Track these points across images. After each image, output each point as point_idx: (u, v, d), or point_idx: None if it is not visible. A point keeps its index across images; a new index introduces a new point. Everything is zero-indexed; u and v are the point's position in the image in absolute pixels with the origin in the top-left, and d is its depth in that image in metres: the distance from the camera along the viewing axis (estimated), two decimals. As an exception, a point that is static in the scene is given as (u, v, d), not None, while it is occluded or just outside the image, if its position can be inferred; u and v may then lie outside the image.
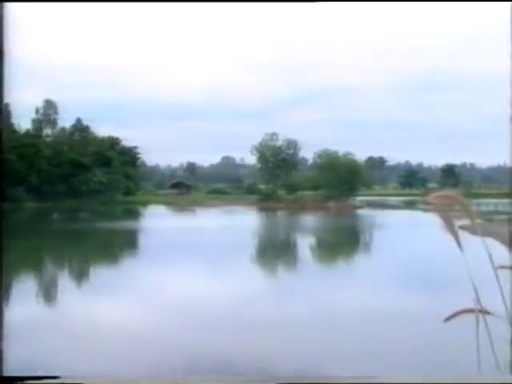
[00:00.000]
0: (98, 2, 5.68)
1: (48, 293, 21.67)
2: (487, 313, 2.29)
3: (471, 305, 2.32)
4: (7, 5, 2.00)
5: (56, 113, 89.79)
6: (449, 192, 2.22)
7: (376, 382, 1.30)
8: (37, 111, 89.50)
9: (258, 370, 11.44)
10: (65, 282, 24.54)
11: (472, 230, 2.46)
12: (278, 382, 1.24)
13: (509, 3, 2.14)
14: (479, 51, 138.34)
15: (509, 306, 2.25)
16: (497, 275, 2.23)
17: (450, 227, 2.20)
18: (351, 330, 14.68)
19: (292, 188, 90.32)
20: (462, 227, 2.35)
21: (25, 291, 21.25)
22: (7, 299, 19.95)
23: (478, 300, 2.26)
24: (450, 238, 2.32)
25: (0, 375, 1.80)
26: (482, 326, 2.28)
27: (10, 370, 10.30)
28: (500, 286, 2.23)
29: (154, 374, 11.11)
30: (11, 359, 11.37)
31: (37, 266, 28.27)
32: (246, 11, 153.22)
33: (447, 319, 2.37)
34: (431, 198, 2.19)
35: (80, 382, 1.46)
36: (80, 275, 26.31)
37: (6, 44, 1.91)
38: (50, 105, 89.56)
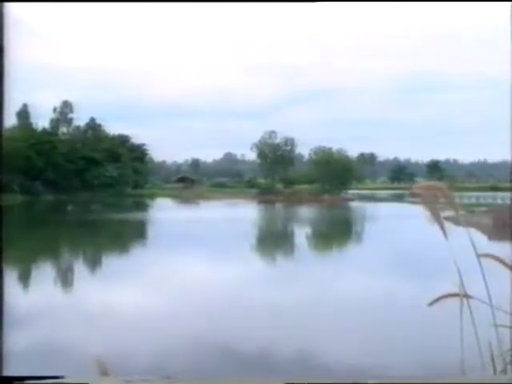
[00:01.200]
0: (106, 1, 5.61)
1: (64, 278, 21.69)
2: (470, 297, 2.28)
3: (455, 289, 2.30)
4: (7, 5, 1.93)
5: (71, 112, 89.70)
6: (432, 182, 2.22)
7: (386, 383, 1.27)
8: (54, 111, 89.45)
9: (258, 347, 11.47)
10: (79, 267, 24.55)
11: (455, 220, 2.45)
12: (286, 381, 1.21)
13: (509, 3, 2.09)
14: (465, 54, 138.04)
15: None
16: (480, 262, 2.22)
17: (437, 217, 2.20)
18: (343, 311, 14.69)
19: (289, 182, 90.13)
20: (446, 218, 2.35)
21: (42, 276, 21.27)
22: (26, 284, 19.97)
23: (462, 285, 2.25)
24: (435, 227, 2.31)
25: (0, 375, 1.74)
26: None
27: (30, 348, 10.26)
28: (482, 272, 2.22)
29: (161, 354, 11.12)
30: (30, 339, 11.35)
31: (53, 254, 28.27)
32: (246, 18, 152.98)
33: (432, 303, 2.34)
34: (416, 188, 2.19)
35: (82, 382, 1.42)
36: (93, 261, 26.32)
37: (7, 43, 1.86)
38: (66, 105, 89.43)
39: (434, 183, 2.21)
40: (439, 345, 10.26)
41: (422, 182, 2.24)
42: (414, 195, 2.25)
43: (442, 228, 2.23)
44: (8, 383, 1.43)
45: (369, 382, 1.38)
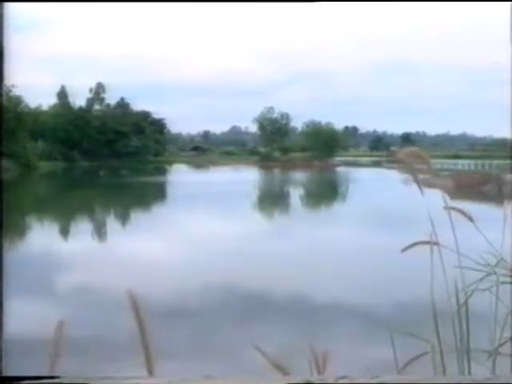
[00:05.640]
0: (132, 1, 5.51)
1: (99, 231, 21.79)
2: (438, 244, 2.28)
3: (426, 238, 2.29)
4: (7, 4, 1.83)
5: (104, 92, 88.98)
6: (415, 149, 2.22)
7: (386, 383, 1.26)
8: (90, 91, 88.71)
9: (259, 292, 11.55)
10: (111, 222, 24.66)
11: (423, 182, 2.44)
12: (287, 381, 1.19)
13: (508, 3, 2.02)
14: (434, 44, 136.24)
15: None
16: (449, 214, 2.23)
17: (415, 177, 2.20)
18: (331, 257, 14.78)
19: (285, 150, 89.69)
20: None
21: (81, 229, 21.37)
22: (68, 235, 20.09)
23: (434, 233, 2.26)
24: (405, 187, 2.32)
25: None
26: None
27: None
28: (451, 222, 2.23)
29: (180, 292, 11.19)
30: (74, 281, 11.34)
31: (89, 210, 28.38)
32: (251, 12, 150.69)
33: (405, 249, 2.31)
34: (401, 153, 2.18)
35: (80, 382, 1.36)
36: (122, 217, 26.43)
37: (6, 41, 1.79)
38: (99, 86, 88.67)
39: (417, 149, 2.21)
40: (413, 281, 10.34)
41: (407, 148, 2.24)
42: (397, 161, 2.23)
43: (419, 186, 2.24)
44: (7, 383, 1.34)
45: (369, 381, 1.37)
